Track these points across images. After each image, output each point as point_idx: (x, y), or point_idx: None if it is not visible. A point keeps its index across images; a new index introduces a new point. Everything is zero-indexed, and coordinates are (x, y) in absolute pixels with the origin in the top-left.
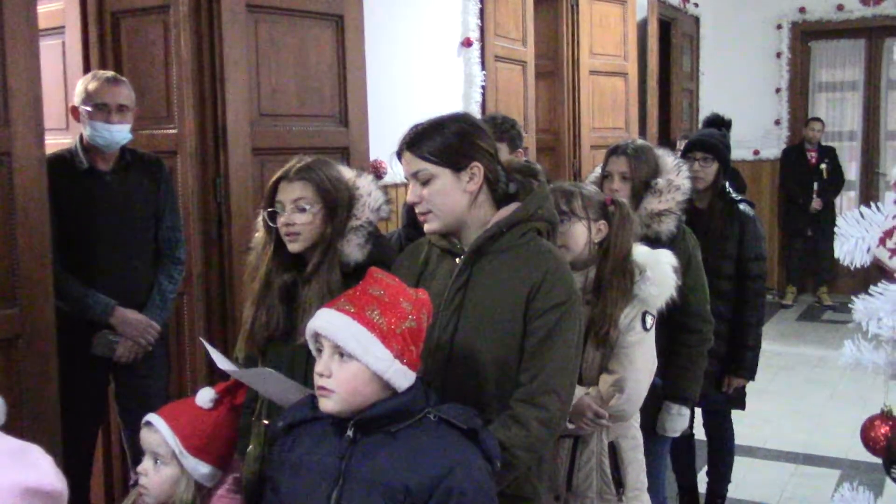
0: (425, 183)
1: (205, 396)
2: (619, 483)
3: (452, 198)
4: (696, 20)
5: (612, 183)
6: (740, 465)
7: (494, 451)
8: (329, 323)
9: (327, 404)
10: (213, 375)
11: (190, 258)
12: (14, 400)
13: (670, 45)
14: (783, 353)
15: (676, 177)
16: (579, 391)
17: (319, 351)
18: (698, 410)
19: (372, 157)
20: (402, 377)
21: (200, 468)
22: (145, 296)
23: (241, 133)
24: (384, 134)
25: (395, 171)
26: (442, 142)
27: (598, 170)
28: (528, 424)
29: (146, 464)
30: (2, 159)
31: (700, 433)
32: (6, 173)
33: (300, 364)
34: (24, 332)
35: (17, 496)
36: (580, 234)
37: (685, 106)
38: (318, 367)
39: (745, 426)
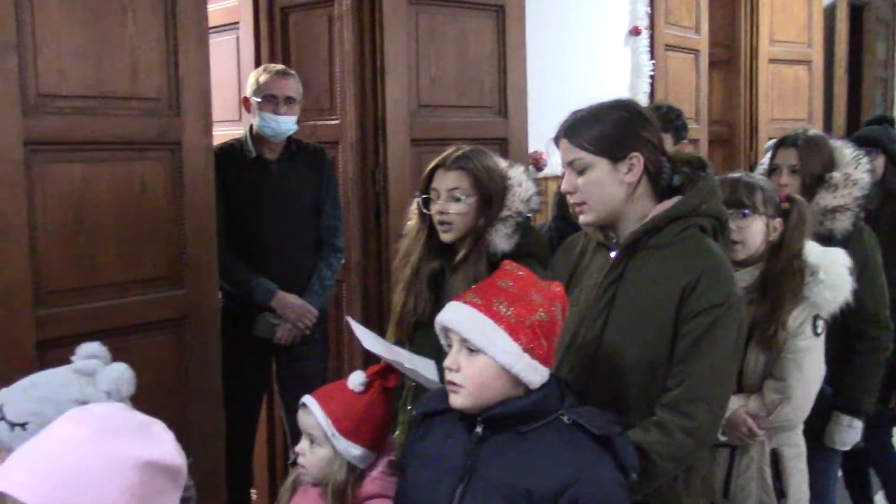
0: (581, 172)
1: (356, 379)
2: (781, 493)
3: (609, 189)
4: (893, 4)
5: (780, 176)
6: None
7: (630, 462)
8: (455, 316)
9: (456, 400)
10: (370, 360)
11: (348, 247)
12: (180, 377)
13: (862, 31)
14: None
15: (854, 170)
16: (738, 400)
17: (450, 346)
18: None
19: (531, 149)
20: (532, 372)
21: (353, 450)
22: (305, 282)
23: (400, 124)
24: (545, 125)
25: (555, 164)
26: (601, 130)
27: (765, 161)
28: (672, 432)
29: (303, 444)
30: (172, 148)
31: None
32: (176, 161)
33: (444, 351)
34: (191, 313)
35: (138, 469)
36: (759, 231)
37: (878, 97)
38: (447, 361)
39: None
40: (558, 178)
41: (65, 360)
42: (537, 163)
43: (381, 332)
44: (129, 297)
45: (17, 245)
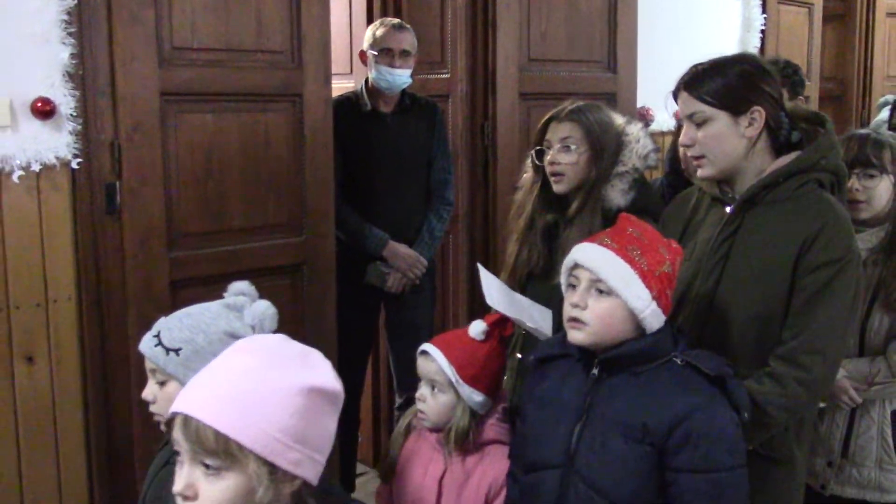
0: (700, 125)
1: (477, 328)
2: None
3: (729, 143)
4: None
5: None
6: None
7: (742, 402)
8: (592, 255)
9: (577, 336)
10: (475, 310)
11: (456, 199)
12: (298, 319)
13: None
14: None
15: None
16: (863, 362)
17: (573, 286)
18: None
19: (639, 104)
20: (655, 319)
21: (475, 396)
22: (416, 232)
23: (510, 78)
24: (653, 81)
25: (662, 120)
26: (723, 83)
27: (883, 118)
28: (786, 383)
29: (423, 391)
30: (294, 99)
31: None
32: (298, 112)
33: (556, 302)
34: (308, 259)
35: (302, 394)
36: (885, 191)
37: None
38: (574, 298)
39: None
40: (667, 134)
41: (194, 301)
42: (645, 118)
43: None
44: (253, 242)
45: (155, 190)
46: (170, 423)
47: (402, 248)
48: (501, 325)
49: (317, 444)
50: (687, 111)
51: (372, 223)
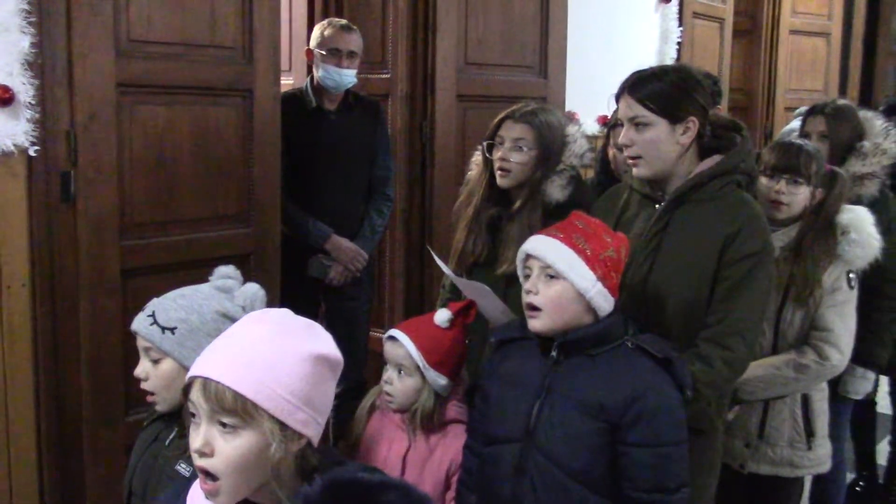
0: (640, 128)
1: (443, 316)
2: (810, 433)
3: (665, 148)
4: None
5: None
6: None
7: (686, 381)
8: (540, 245)
9: (535, 324)
10: (413, 303)
11: (395, 196)
12: None
13: (880, 4)
14: None
15: (884, 140)
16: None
17: (527, 276)
18: (884, 380)
19: (567, 108)
20: (603, 299)
21: (440, 380)
22: (357, 227)
23: (448, 80)
24: (580, 86)
25: (587, 125)
26: (663, 91)
27: (793, 126)
28: (713, 362)
29: (391, 374)
30: (245, 95)
31: (884, 405)
32: (248, 108)
33: (499, 291)
34: (255, 251)
35: (310, 360)
36: (804, 197)
37: (891, 70)
38: (527, 285)
39: None
40: (591, 138)
41: (145, 289)
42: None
43: (424, 278)
44: (202, 232)
45: (109, 179)
46: (186, 388)
47: (345, 242)
48: (465, 313)
49: (320, 407)
50: (629, 114)
51: (315, 217)
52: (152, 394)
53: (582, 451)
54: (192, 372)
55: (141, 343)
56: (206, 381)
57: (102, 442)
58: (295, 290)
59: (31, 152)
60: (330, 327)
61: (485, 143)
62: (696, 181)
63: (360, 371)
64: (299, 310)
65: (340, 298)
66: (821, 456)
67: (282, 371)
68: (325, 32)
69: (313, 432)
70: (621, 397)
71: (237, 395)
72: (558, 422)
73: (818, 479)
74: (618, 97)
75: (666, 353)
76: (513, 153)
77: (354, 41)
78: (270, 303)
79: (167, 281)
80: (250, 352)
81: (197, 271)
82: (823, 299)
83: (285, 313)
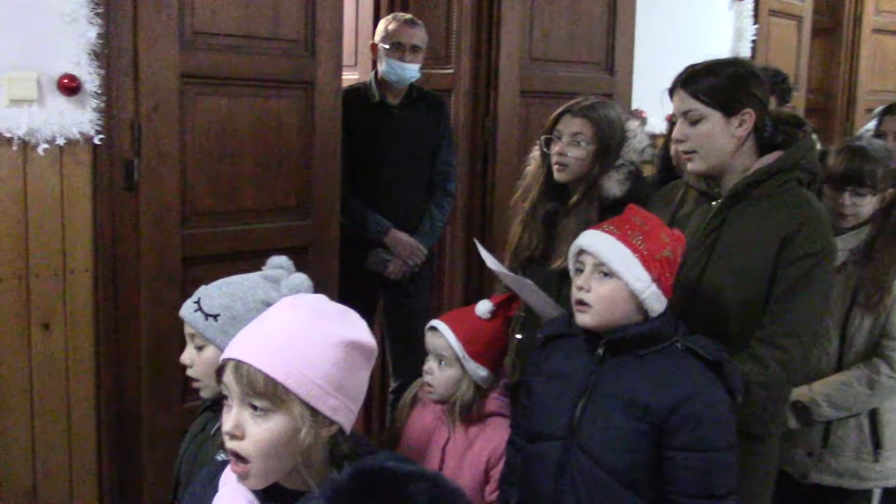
0: (694, 123)
1: (484, 307)
2: (877, 444)
3: (719, 141)
4: None
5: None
6: None
7: (737, 385)
8: (595, 241)
9: (583, 318)
10: (472, 299)
11: (456, 192)
12: None
13: None
14: None
15: None
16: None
17: (579, 271)
18: None
19: (634, 106)
20: (656, 301)
21: (480, 371)
22: (417, 221)
23: (512, 76)
24: (648, 84)
25: (655, 123)
26: (717, 83)
27: (870, 127)
28: (766, 363)
29: (431, 364)
30: (306, 87)
31: None
32: (309, 100)
33: (553, 287)
34: (314, 242)
35: (342, 346)
36: (871, 207)
37: None
38: (579, 281)
39: None
40: (659, 137)
41: (204, 278)
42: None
43: (483, 274)
44: (262, 223)
45: (171, 169)
46: (220, 370)
47: (404, 237)
48: (506, 306)
49: (352, 394)
50: (682, 108)
51: (375, 211)
52: (197, 380)
53: (624, 452)
54: (225, 354)
55: (187, 329)
56: (239, 364)
57: (159, 427)
58: (353, 283)
59: (96, 141)
60: (388, 322)
61: (542, 138)
62: (754, 177)
63: (417, 366)
64: (357, 303)
65: (399, 293)
66: (889, 469)
67: (314, 356)
68: (390, 27)
69: (345, 419)
70: (668, 399)
71: (268, 379)
72: (601, 421)
73: (889, 493)
74: (671, 92)
75: (717, 356)
76: (571, 148)
77: (418, 35)
78: (328, 295)
79: (226, 270)
80: (283, 336)
81: (256, 262)
82: (894, 306)
83: (320, 299)
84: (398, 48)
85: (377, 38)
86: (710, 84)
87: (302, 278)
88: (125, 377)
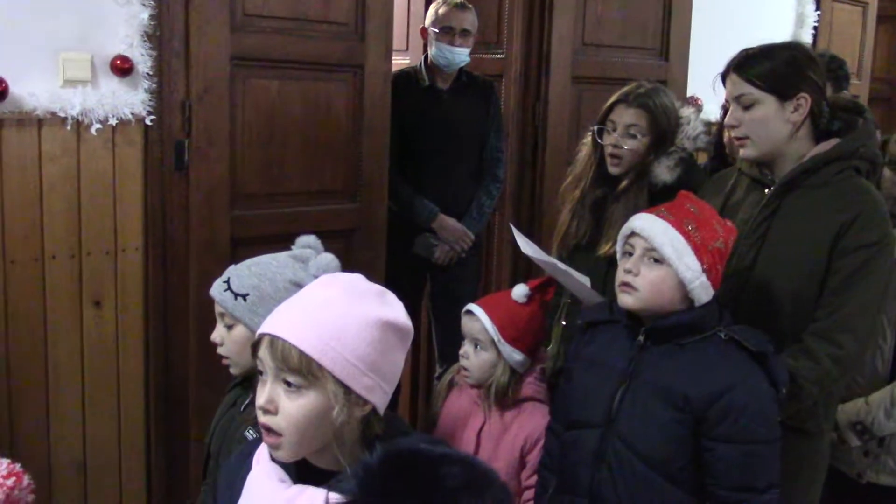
0: (747, 108)
1: (520, 291)
2: None
3: (773, 126)
4: None
5: None
6: None
7: (781, 378)
8: (649, 225)
9: (627, 300)
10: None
11: (504, 178)
12: None
13: None
14: None
15: None
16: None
17: (628, 253)
18: None
19: (689, 93)
20: (704, 291)
21: (515, 355)
22: (464, 207)
23: (564, 61)
24: (704, 71)
25: (710, 110)
26: (771, 67)
27: None
28: (819, 358)
29: (467, 348)
30: (356, 71)
31: None
32: (358, 84)
33: (599, 273)
34: (361, 226)
35: (378, 326)
36: None
37: None
38: (627, 264)
39: None
40: (714, 125)
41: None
42: (694, 107)
43: (531, 260)
44: (309, 206)
45: (221, 150)
46: (255, 345)
47: (451, 222)
48: (542, 290)
49: (387, 375)
50: (735, 92)
51: (423, 196)
52: (227, 358)
53: (663, 442)
54: (262, 329)
55: (217, 308)
56: (274, 339)
57: (206, 403)
58: (400, 267)
59: (148, 121)
60: (434, 307)
61: (595, 128)
62: (809, 165)
63: None
64: (403, 287)
65: (446, 278)
66: None
67: (349, 334)
68: (440, 10)
69: (379, 399)
70: (708, 390)
71: (303, 355)
72: (640, 409)
73: None
74: (724, 76)
75: (761, 347)
76: (625, 140)
77: (468, 19)
78: (374, 279)
79: (273, 252)
80: (319, 313)
81: None
82: None
83: (357, 278)
84: (448, 32)
85: (427, 21)
86: (765, 68)
87: (330, 258)
88: (173, 354)
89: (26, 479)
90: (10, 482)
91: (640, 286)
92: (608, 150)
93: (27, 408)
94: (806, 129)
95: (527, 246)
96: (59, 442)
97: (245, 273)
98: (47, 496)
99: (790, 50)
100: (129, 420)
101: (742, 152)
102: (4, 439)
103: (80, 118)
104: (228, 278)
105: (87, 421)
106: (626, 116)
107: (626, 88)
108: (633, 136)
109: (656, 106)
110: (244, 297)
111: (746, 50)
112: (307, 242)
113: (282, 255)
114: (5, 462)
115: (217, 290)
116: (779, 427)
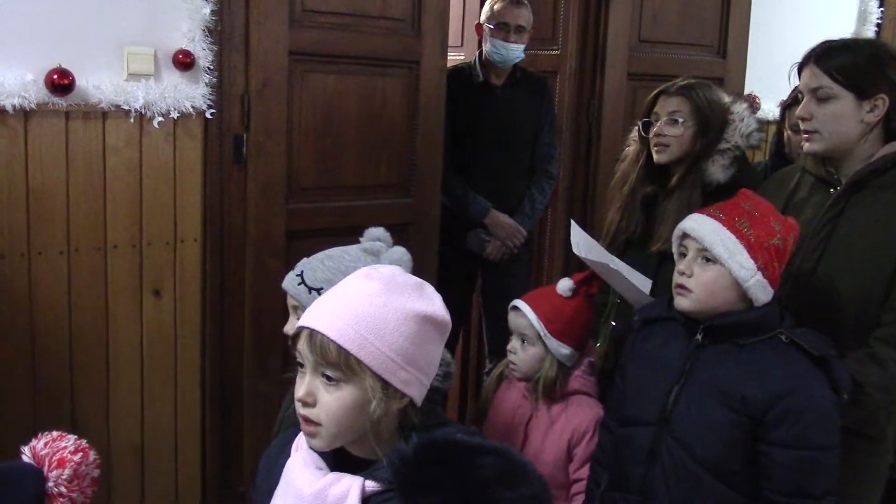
0: (823, 101)
1: (565, 285)
2: None
3: (846, 125)
4: None
5: None
6: None
7: (843, 383)
8: (700, 225)
9: (683, 302)
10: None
11: (559, 174)
12: None
13: None
14: None
15: None
16: None
17: (682, 255)
18: None
19: (747, 91)
20: (761, 290)
21: (562, 349)
22: (517, 203)
23: (619, 57)
24: (762, 69)
25: (768, 109)
26: (854, 62)
27: None
28: (887, 365)
29: (514, 343)
30: (411, 66)
31: None
32: (414, 79)
33: (651, 269)
34: (414, 220)
35: (416, 320)
36: None
37: None
38: (681, 265)
39: None
40: (772, 123)
41: (307, 251)
42: (752, 105)
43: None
44: (364, 200)
45: (278, 144)
46: (295, 336)
47: (503, 218)
48: (588, 284)
49: (424, 368)
50: (812, 84)
51: (476, 191)
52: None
53: (717, 443)
54: (301, 322)
55: (290, 301)
56: (313, 333)
57: (260, 393)
58: (452, 262)
59: (208, 115)
60: (485, 303)
61: (640, 122)
62: (879, 164)
63: None
64: (455, 282)
65: (497, 274)
66: None
67: (387, 329)
68: (495, 6)
69: (416, 392)
70: (767, 392)
71: (341, 350)
72: (695, 409)
73: None
74: (801, 67)
75: (823, 351)
76: (668, 127)
77: (524, 15)
78: (426, 274)
79: (328, 245)
80: (357, 307)
81: (357, 238)
82: None
83: (395, 271)
84: (503, 28)
85: (482, 17)
86: (847, 62)
87: (402, 252)
88: (229, 344)
89: (92, 455)
90: (77, 457)
91: (693, 287)
92: (653, 140)
93: (88, 392)
94: (878, 131)
95: (581, 244)
96: (118, 426)
97: (318, 266)
98: (106, 478)
99: (874, 47)
100: (186, 407)
101: (807, 146)
102: (66, 421)
103: (143, 111)
104: (302, 271)
105: (144, 406)
106: (668, 105)
107: (669, 82)
108: (676, 123)
109: (698, 95)
110: (318, 290)
111: (828, 41)
112: (376, 235)
113: (353, 249)
114: (72, 438)
115: (290, 283)
116: (839, 434)
